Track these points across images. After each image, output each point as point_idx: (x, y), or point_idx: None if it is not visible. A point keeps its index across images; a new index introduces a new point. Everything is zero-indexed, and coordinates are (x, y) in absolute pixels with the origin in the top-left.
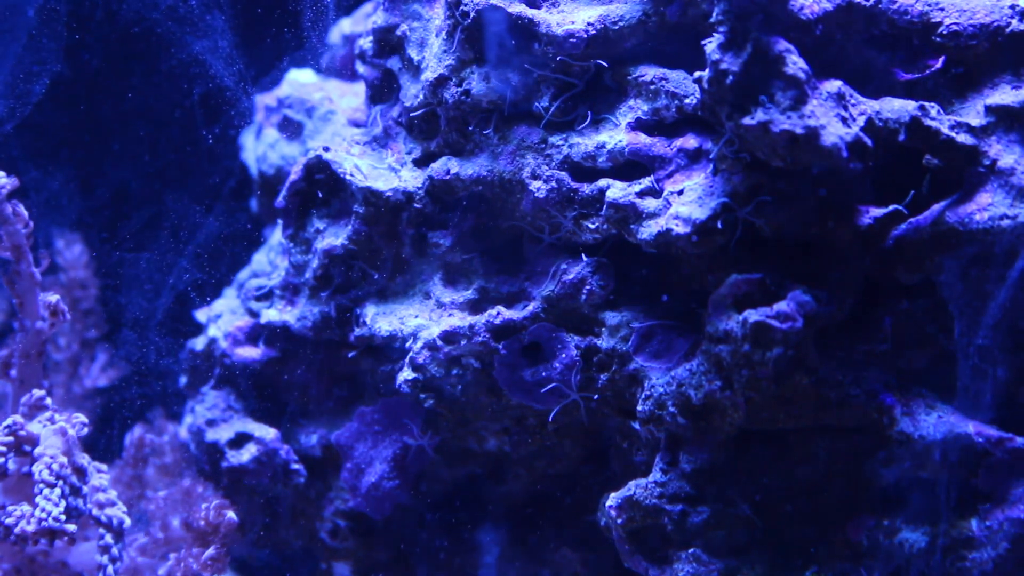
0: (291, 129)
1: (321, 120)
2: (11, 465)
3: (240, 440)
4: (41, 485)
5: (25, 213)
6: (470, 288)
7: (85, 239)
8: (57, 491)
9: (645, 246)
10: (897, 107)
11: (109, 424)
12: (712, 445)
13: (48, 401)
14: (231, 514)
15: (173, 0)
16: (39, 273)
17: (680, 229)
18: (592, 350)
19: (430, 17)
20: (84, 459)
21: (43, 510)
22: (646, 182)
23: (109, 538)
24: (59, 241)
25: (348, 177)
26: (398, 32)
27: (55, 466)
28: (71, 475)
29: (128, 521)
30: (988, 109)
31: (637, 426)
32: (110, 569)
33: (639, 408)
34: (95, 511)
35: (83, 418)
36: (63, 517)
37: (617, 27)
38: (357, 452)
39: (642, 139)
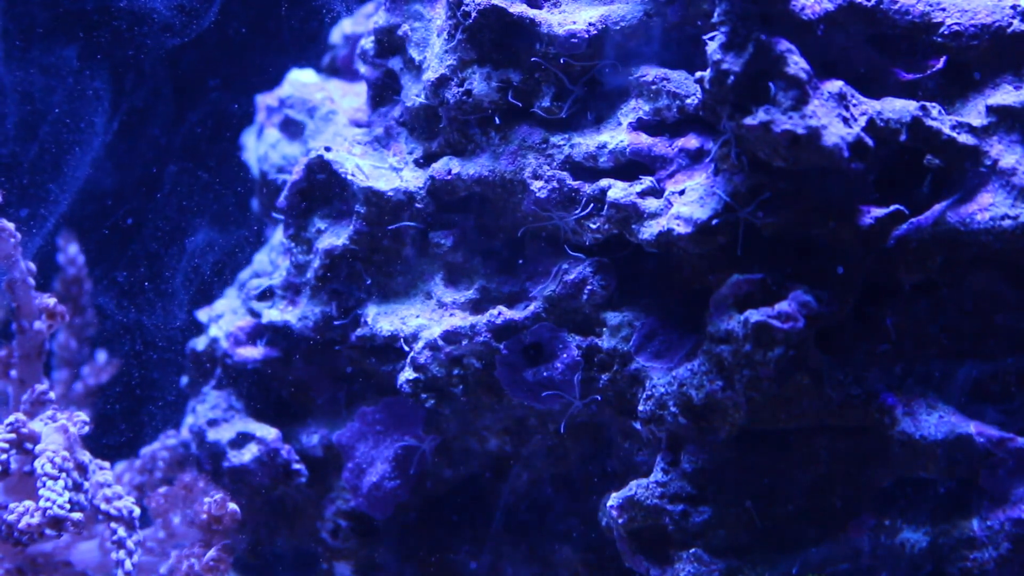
0: (292, 129)
1: (322, 120)
2: (13, 463)
3: (241, 440)
4: (44, 478)
5: (11, 226)
6: (471, 288)
7: (87, 238)
8: (60, 482)
9: (646, 246)
10: (898, 107)
11: (109, 423)
12: (713, 445)
13: (51, 395)
14: (233, 506)
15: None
16: (32, 278)
17: (681, 229)
18: (593, 350)
19: (431, 17)
20: (85, 456)
21: (47, 500)
22: (647, 182)
23: (122, 531)
24: (57, 239)
25: (349, 177)
26: (399, 32)
27: (57, 459)
28: (73, 470)
29: (138, 511)
30: (989, 109)
31: (638, 426)
32: (128, 564)
33: (640, 408)
34: (103, 505)
35: (84, 416)
36: (68, 506)
37: (618, 27)
38: (358, 452)
39: (644, 139)
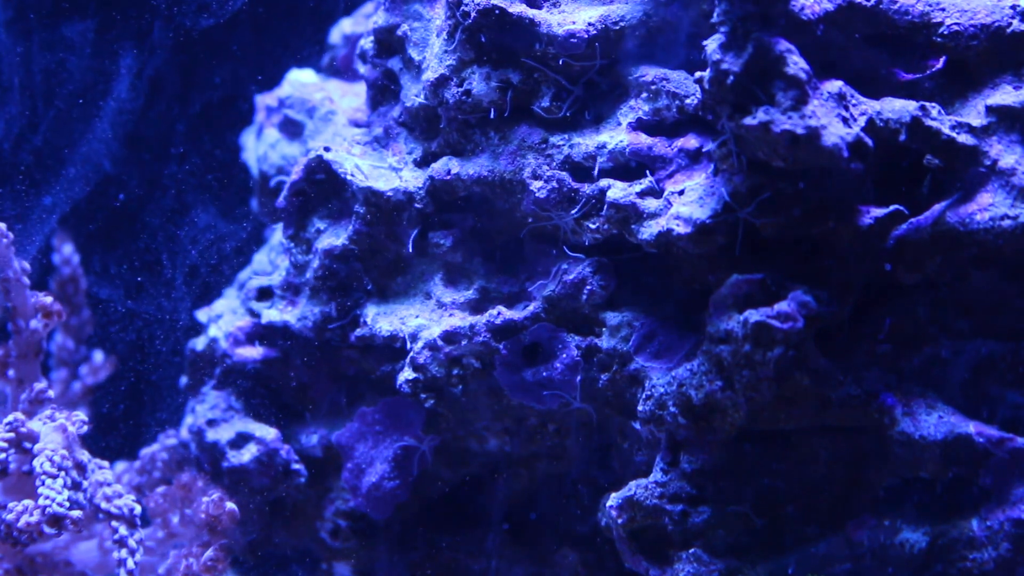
0: (292, 129)
1: (322, 120)
2: (12, 463)
3: (241, 440)
4: (43, 476)
5: (3, 226)
6: (471, 288)
7: (84, 239)
8: (60, 481)
9: (646, 246)
10: (898, 107)
11: (108, 423)
12: (713, 445)
13: (51, 393)
14: (231, 505)
15: None
16: (26, 277)
17: (681, 229)
18: (593, 350)
19: (431, 17)
20: (84, 455)
21: (46, 498)
22: (647, 182)
23: (123, 529)
24: (52, 239)
25: (349, 177)
26: (399, 32)
27: (56, 458)
28: (72, 469)
29: (139, 509)
30: (989, 109)
31: (638, 426)
32: (130, 562)
33: (640, 408)
34: (104, 504)
35: (83, 416)
36: (67, 504)
37: (618, 27)
38: (358, 452)
39: (643, 139)
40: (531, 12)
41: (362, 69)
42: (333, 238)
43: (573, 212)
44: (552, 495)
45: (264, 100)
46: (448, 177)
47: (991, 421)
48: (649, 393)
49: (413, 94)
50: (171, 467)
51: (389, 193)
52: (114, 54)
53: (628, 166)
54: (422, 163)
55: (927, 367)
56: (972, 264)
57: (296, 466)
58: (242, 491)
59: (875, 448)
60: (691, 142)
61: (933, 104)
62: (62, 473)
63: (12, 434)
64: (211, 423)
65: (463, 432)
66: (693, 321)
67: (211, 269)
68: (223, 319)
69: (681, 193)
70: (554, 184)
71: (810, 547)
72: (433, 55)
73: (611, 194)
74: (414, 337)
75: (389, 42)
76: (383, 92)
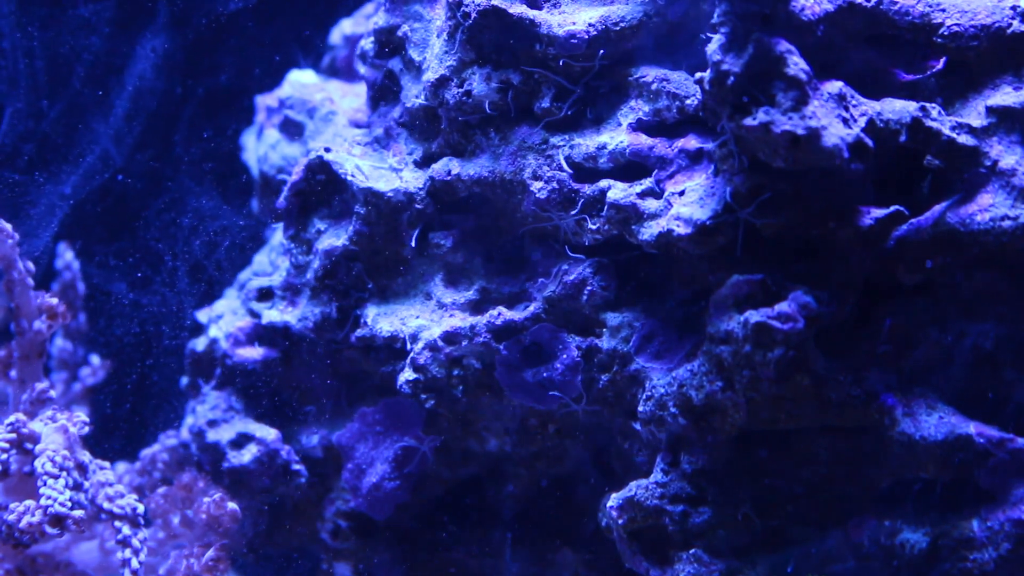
0: (292, 130)
1: (322, 121)
2: (13, 464)
3: (241, 441)
4: (45, 476)
5: (8, 227)
6: (471, 289)
7: (85, 240)
8: (61, 481)
9: (646, 247)
10: (898, 108)
11: (109, 424)
12: (713, 446)
13: (52, 393)
14: (232, 505)
15: None
16: (30, 278)
17: (681, 230)
18: (593, 351)
19: (431, 18)
20: (86, 456)
21: (48, 498)
22: (647, 183)
23: (127, 529)
24: (55, 243)
25: (349, 178)
26: (399, 33)
27: (58, 459)
28: (73, 469)
29: (142, 508)
30: (989, 110)
31: (638, 427)
32: (134, 562)
33: (640, 409)
34: (106, 504)
35: (84, 417)
36: (69, 504)
37: (619, 28)
38: (358, 452)
39: (643, 140)
40: (531, 13)
41: (362, 70)
42: (334, 239)
43: (573, 213)
44: (552, 495)
45: (264, 101)
46: (448, 178)
47: (1004, 407)
48: (649, 394)
49: (413, 95)
50: (172, 468)
51: (389, 194)
52: (113, 53)
53: (628, 167)
54: (422, 164)
55: (931, 362)
56: (973, 265)
57: (296, 466)
58: (243, 491)
59: (875, 448)
60: (691, 143)
61: (933, 105)
62: (64, 473)
63: (14, 435)
64: (212, 423)
65: (463, 432)
66: (693, 322)
67: (211, 269)
68: (223, 319)
69: (681, 194)
70: (554, 185)
71: (811, 547)
72: (433, 56)
73: (611, 195)
74: (414, 338)
75: (389, 43)
76: (383, 93)
